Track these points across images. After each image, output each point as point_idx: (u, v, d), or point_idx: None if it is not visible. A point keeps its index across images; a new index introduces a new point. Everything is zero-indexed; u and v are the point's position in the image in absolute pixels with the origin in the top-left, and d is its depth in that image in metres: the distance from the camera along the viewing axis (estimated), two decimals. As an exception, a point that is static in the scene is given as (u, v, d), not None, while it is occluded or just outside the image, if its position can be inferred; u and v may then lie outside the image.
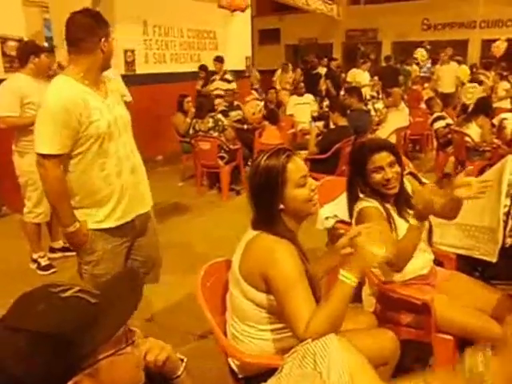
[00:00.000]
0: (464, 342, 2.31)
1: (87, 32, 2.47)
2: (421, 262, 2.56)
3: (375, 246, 1.75)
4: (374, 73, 12.07)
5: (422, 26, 19.35)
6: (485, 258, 2.84)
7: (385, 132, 7.34)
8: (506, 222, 2.79)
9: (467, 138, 6.52)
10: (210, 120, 7.01)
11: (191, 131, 7.20)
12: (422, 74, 14.01)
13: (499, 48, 14.30)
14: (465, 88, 11.03)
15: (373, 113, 8.48)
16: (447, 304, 2.44)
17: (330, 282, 2.19)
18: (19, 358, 0.94)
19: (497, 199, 2.83)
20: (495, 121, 6.80)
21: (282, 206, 1.96)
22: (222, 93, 8.64)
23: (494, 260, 2.76)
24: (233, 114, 8.22)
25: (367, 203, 2.51)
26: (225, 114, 7.71)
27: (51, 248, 4.83)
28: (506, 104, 9.40)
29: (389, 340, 2.15)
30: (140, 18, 8.52)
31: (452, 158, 7.27)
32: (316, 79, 12.56)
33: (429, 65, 14.70)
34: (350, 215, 2.64)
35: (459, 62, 12.70)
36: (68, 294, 1.03)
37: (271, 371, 1.79)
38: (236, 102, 8.74)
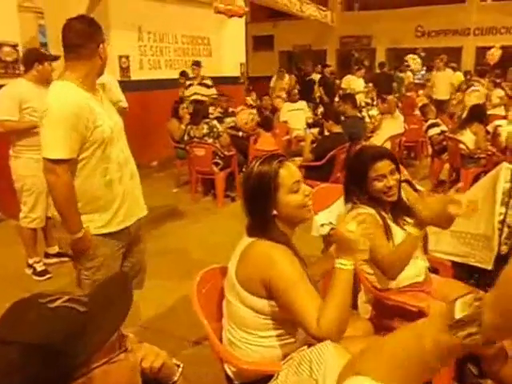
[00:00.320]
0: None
1: (85, 38, 2.47)
2: (416, 269, 2.56)
3: (349, 224, 1.81)
4: (369, 79, 12.11)
5: (416, 33, 19.46)
6: (480, 265, 2.85)
7: (379, 139, 7.35)
8: (501, 230, 2.81)
9: (462, 145, 6.53)
10: (205, 126, 7.00)
11: (186, 137, 7.18)
12: (416, 81, 14.07)
13: (494, 55, 14.34)
14: (467, 94, 10.86)
15: (367, 120, 8.50)
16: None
17: (326, 286, 2.19)
18: (11, 370, 0.93)
19: (492, 207, 2.85)
20: (489, 128, 6.82)
21: (275, 212, 1.96)
22: (202, 98, 8.60)
23: (490, 267, 2.78)
24: (227, 120, 8.19)
25: (363, 210, 2.51)
26: (220, 120, 7.70)
27: (46, 254, 4.81)
28: (500, 111, 9.42)
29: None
30: (135, 25, 8.54)
31: (447, 165, 7.30)
32: (310, 85, 12.62)
33: (423, 71, 14.76)
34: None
35: (454, 69, 12.78)
36: (57, 303, 1.02)
37: (267, 378, 1.79)
38: (231, 109, 8.73)
